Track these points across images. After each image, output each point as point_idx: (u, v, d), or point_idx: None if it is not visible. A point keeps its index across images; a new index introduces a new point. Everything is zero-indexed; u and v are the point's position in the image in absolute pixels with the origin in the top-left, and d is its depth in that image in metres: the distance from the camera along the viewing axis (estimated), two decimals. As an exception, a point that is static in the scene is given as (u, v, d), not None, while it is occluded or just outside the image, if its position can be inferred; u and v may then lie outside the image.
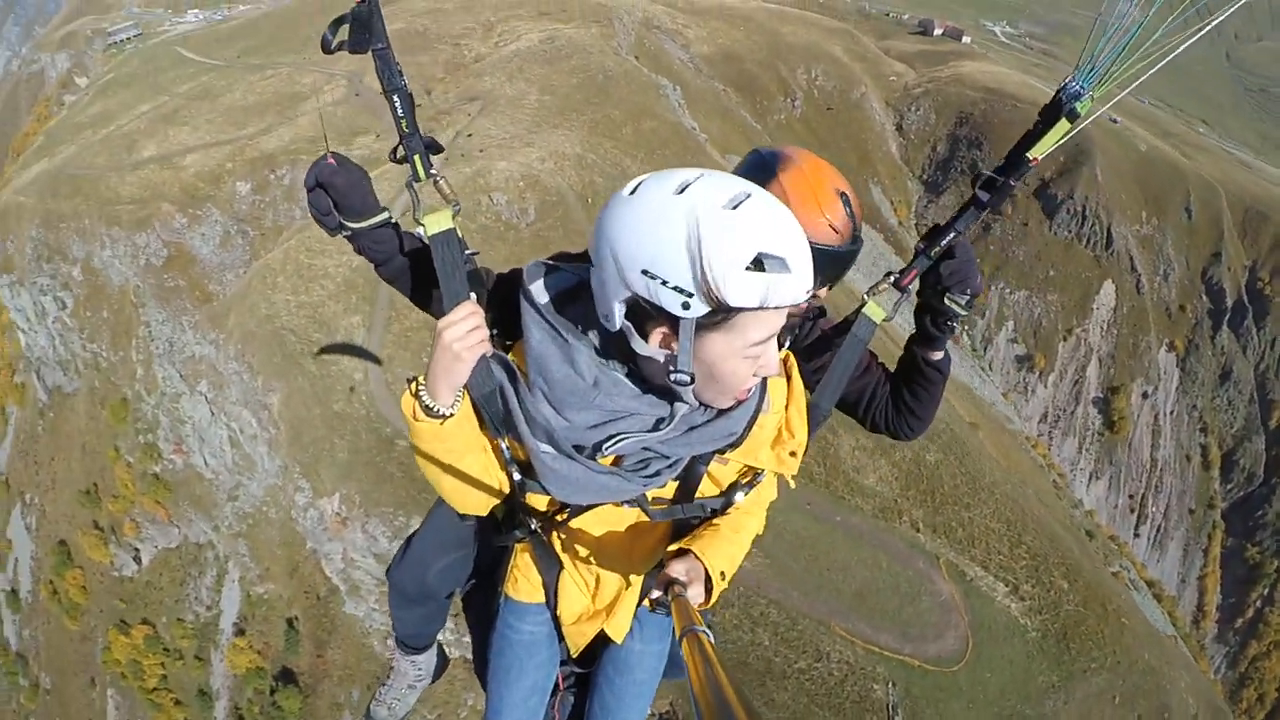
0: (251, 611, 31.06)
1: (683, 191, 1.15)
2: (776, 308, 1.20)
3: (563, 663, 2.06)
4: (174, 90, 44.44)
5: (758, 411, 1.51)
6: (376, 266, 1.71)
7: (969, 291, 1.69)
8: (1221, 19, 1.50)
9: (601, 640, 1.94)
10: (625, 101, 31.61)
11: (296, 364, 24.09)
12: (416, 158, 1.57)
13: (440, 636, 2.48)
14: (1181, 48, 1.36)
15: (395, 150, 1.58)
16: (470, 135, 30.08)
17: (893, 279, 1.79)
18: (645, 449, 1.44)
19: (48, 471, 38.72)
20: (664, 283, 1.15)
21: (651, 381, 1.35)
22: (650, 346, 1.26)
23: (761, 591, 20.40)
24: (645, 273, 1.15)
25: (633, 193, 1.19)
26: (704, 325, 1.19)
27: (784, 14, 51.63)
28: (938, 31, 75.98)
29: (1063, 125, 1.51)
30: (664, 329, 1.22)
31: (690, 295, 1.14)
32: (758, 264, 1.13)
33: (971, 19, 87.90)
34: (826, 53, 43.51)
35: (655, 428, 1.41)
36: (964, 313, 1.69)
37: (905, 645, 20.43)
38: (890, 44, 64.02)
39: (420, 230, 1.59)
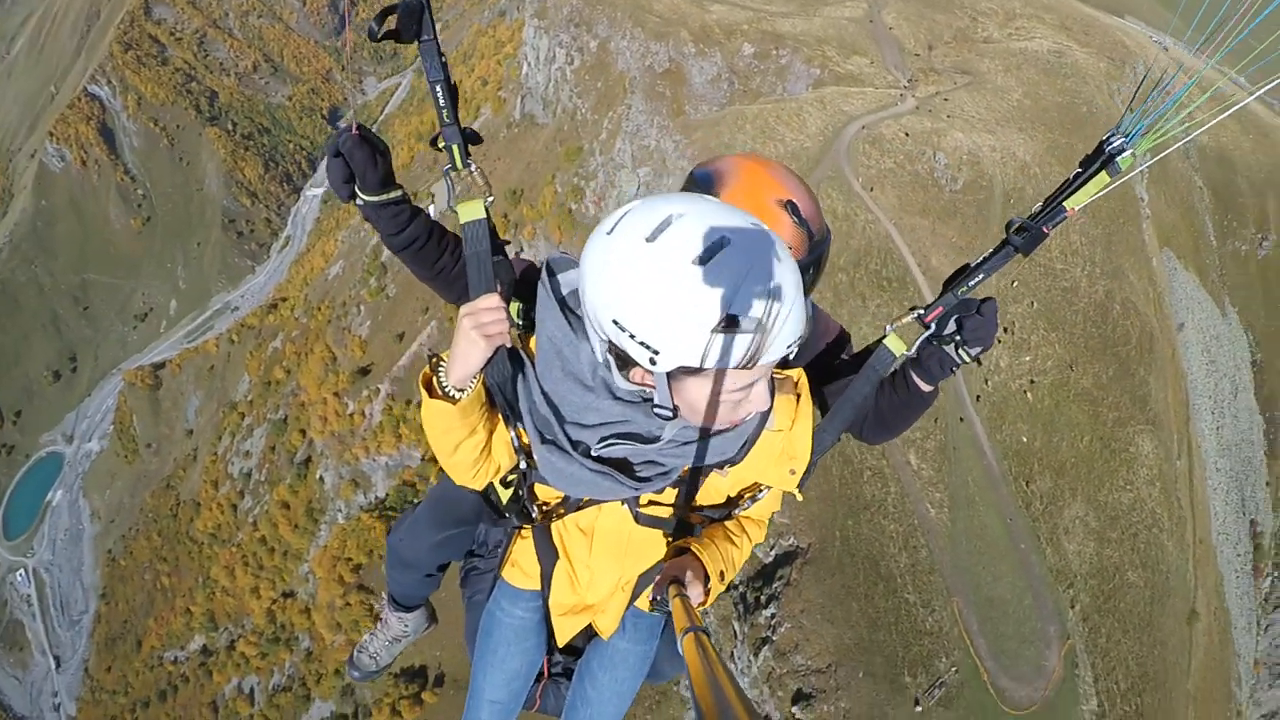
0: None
1: (654, 239, 1.21)
2: (750, 369, 1.27)
3: (551, 651, 2.28)
4: None
5: (760, 430, 1.68)
6: (385, 237, 1.93)
7: (983, 347, 1.84)
8: (1277, 83, 1.60)
9: (590, 634, 2.18)
10: (1095, 139, 35.65)
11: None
12: (455, 147, 1.79)
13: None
14: (1233, 109, 1.44)
15: (435, 139, 1.80)
16: (946, 100, 36.57)
17: (917, 314, 1.90)
18: (639, 454, 1.59)
19: (496, 164, 55.95)
20: (631, 336, 1.24)
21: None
22: (630, 384, 1.42)
23: (932, 536, 25.71)
24: (615, 323, 1.25)
25: (610, 231, 1.29)
26: (678, 374, 1.31)
27: (1310, 147, 49.04)
28: None
29: (1103, 178, 1.62)
30: (642, 369, 1.34)
31: (657, 352, 1.24)
32: (730, 322, 1.18)
33: None
34: (1337, 210, 42.19)
35: (650, 437, 1.55)
36: (971, 364, 1.86)
37: (989, 660, 24.21)
38: None
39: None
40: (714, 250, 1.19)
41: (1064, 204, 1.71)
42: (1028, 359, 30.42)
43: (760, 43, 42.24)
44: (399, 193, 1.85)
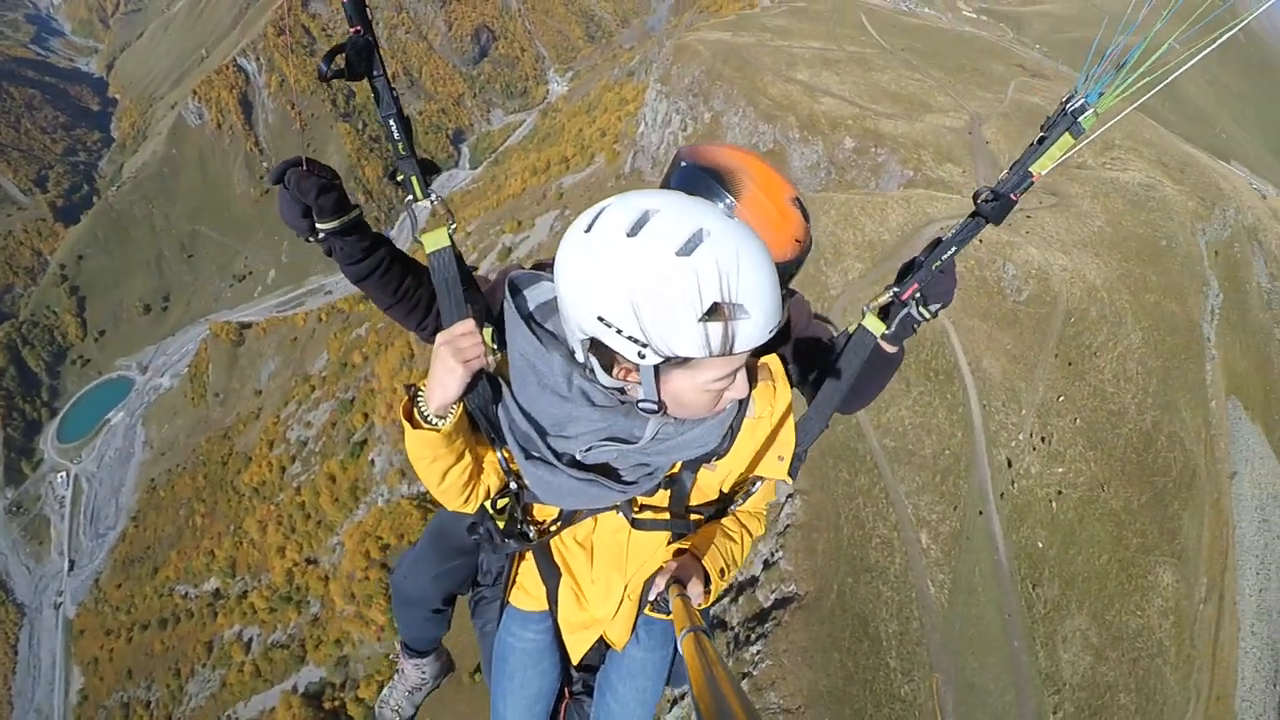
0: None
1: (635, 234, 1.29)
2: (735, 354, 1.35)
3: (573, 669, 2.37)
4: (843, 45, 61.80)
5: (740, 419, 1.76)
6: (346, 267, 1.92)
7: (943, 304, 1.93)
8: (1233, 32, 1.60)
9: (605, 647, 2.25)
10: (1169, 274, 36.74)
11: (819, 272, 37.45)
12: (414, 178, 1.83)
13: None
14: (1191, 62, 1.48)
15: (394, 172, 1.85)
16: (1029, 217, 38.95)
17: (894, 292, 1.97)
18: (623, 457, 1.66)
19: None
20: (618, 331, 1.31)
21: (628, 393, 1.53)
22: (614, 379, 1.49)
23: (926, 612, 26.88)
24: (600, 319, 1.32)
25: (588, 230, 1.35)
26: (664, 366, 1.39)
27: None
28: None
29: (1066, 140, 1.66)
30: (627, 365, 1.43)
31: (645, 345, 1.31)
32: (713, 312, 1.27)
33: None
34: None
35: (631, 438, 1.62)
36: (930, 319, 1.95)
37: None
38: None
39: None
40: (695, 242, 1.26)
41: (1030, 169, 1.75)
42: (1060, 470, 32.21)
43: (861, 139, 45.77)
44: (356, 211, 1.85)
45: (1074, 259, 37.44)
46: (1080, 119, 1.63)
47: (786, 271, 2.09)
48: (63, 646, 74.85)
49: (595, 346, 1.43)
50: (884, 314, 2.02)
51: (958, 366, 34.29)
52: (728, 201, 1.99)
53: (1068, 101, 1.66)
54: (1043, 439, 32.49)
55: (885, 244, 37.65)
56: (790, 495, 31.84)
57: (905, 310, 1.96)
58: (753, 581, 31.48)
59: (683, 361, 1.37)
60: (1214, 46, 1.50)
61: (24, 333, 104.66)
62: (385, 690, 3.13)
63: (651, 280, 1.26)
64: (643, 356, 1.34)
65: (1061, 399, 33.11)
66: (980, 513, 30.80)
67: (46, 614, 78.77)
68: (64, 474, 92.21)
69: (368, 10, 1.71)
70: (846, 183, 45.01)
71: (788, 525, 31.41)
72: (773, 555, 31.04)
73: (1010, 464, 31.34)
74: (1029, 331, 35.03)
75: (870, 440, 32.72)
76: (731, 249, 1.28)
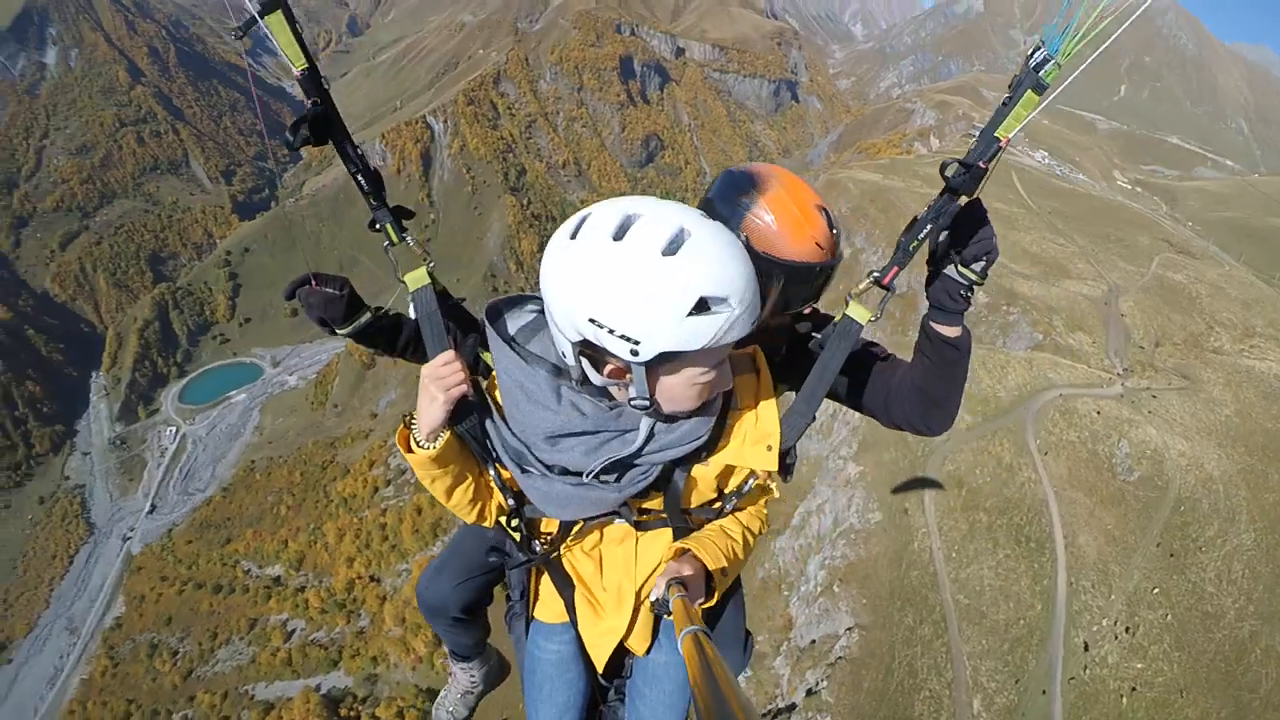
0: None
1: (621, 237, 1.36)
2: (721, 346, 1.43)
3: (607, 677, 2.37)
4: (990, 201, 61.52)
5: (726, 410, 1.80)
6: (377, 351, 2.17)
7: (987, 258, 1.78)
8: None
9: (631, 654, 2.27)
10: None
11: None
12: (388, 225, 2.03)
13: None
14: (1147, 3, 1.42)
15: (373, 222, 2.03)
16: (1154, 397, 38.04)
17: (874, 276, 1.93)
18: (617, 460, 1.69)
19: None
20: (610, 331, 1.37)
21: (616, 397, 1.62)
22: (605, 378, 1.55)
23: None
24: (592, 320, 1.38)
25: (573, 236, 1.41)
26: (654, 362, 1.45)
27: None
28: None
29: (1031, 98, 1.60)
30: (618, 363, 1.48)
31: (637, 343, 1.38)
32: (700, 306, 1.35)
33: None
34: None
35: (625, 444, 1.68)
36: (980, 282, 1.77)
37: None
38: None
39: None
40: (677, 242, 1.34)
41: (996, 134, 1.67)
42: (1139, 666, 30.16)
43: (994, 296, 45.91)
44: (366, 317, 2.09)
45: (1194, 446, 35.88)
46: (1042, 72, 1.59)
47: (809, 275, 2.08)
48: (116, 575, 79.89)
49: (586, 349, 1.49)
50: (945, 299, 1.90)
51: (1052, 537, 33.17)
52: (752, 195, 2.04)
53: (1029, 56, 1.61)
54: (1127, 629, 30.63)
55: (999, 400, 37.25)
56: (850, 628, 31.48)
57: (940, 273, 1.86)
58: (790, 707, 30.86)
59: (673, 356, 1.44)
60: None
61: (177, 298, 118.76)
62: (441, 694, 3.25)
63: (641, 279, 1.34)
64: (635, 354, 1.41)
65: (1156, 590, 31.26)
66: (1044, 692, 29.19)
67: (113, 542, 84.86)
68: (174, 429, 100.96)
69: (323, 81, 1.92)
70: (975, 337, 45.16)
71: (839, 657, 30.85)
72: (817, 684, 30.46)
73: (1087, 648, 29.60)
74: (1133, 514, 33.57)
75: (944, 592, 32.08)
76: (712, 246, 1.37)
